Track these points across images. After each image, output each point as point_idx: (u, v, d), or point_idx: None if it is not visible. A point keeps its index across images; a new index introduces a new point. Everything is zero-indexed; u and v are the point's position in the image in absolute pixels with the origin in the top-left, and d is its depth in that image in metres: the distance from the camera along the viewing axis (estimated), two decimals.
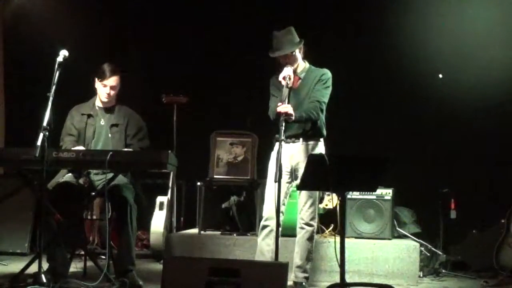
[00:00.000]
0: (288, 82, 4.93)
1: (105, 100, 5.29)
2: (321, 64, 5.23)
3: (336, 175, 4.31)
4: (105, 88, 5.24)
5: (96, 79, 5.27)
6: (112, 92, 5.27)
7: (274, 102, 5.06)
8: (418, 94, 6.83)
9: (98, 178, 5.19)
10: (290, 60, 5.06)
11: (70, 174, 5.21)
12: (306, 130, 5.10)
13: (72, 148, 5.03)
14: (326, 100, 5.11)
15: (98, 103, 5.34)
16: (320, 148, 5.17)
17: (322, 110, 5.09)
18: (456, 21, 6.84)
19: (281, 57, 5.06)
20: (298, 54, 5.13)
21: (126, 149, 5.16)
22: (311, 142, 5.13)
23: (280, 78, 4.97)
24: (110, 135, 5.26)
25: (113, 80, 5.24)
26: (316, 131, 5.13)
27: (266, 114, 5.10)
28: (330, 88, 5.14)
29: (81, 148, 5.08)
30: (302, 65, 5.17)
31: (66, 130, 5.28)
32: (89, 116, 5.29)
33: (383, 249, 5.71)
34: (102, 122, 5.29)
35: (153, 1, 7.53)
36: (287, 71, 4.97)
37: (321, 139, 5.20)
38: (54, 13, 7.33)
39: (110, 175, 4.89)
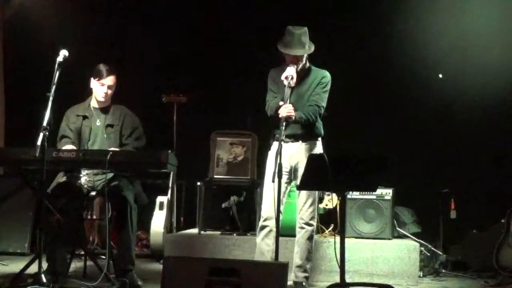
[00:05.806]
0: (291, 82, 4.92)
1: (102, 99, 5.23)
2: (321, 64, 5.22)
3: (336, 175, 4.31)
4: (102, 87, 5.19)
5: (93, 78, 5.22)
6: (110, 92, 5.22)
7: (271, 97, 5.07)
8: (418, 94, 6.84)
9: (98, 178, 5.17)
10: (296, 60, 5.05)
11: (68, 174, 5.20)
12: (305, 130, 5.11)
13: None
14: (324, 104, 5.14)
15: (93, 104, 5.29)
16: (319, 148, 5.18)
17: (320, 114, 5.13)
18: (456, 21, 6.84)
19: (289, 55, 5.06)
20: (306, 56, 5.13)
21: (125, 149, 5.15)
22: (310, 142, 5.13)
23: (283, 77, 4.96)
24: (105, 135, 5.21)
25: (110, 80, 5.20)
26: (315, 131, 5.15)
27: (266, 114, 5.10)
28: (329, 91, 5.15)
29: None
30: (304, 63, 5.16)
31: (62, 132, 5.25)
32: (85, 117, 5.25)
33: (383, 249, 5.70)
34: (98, 123, 5.25)
35: (152, 1, 7.52)
36: (290, 70, 4.95)
37: (319, 139, 5.21)
38: (54, 13, 7.32)
39: (110, 175, 4.88)
